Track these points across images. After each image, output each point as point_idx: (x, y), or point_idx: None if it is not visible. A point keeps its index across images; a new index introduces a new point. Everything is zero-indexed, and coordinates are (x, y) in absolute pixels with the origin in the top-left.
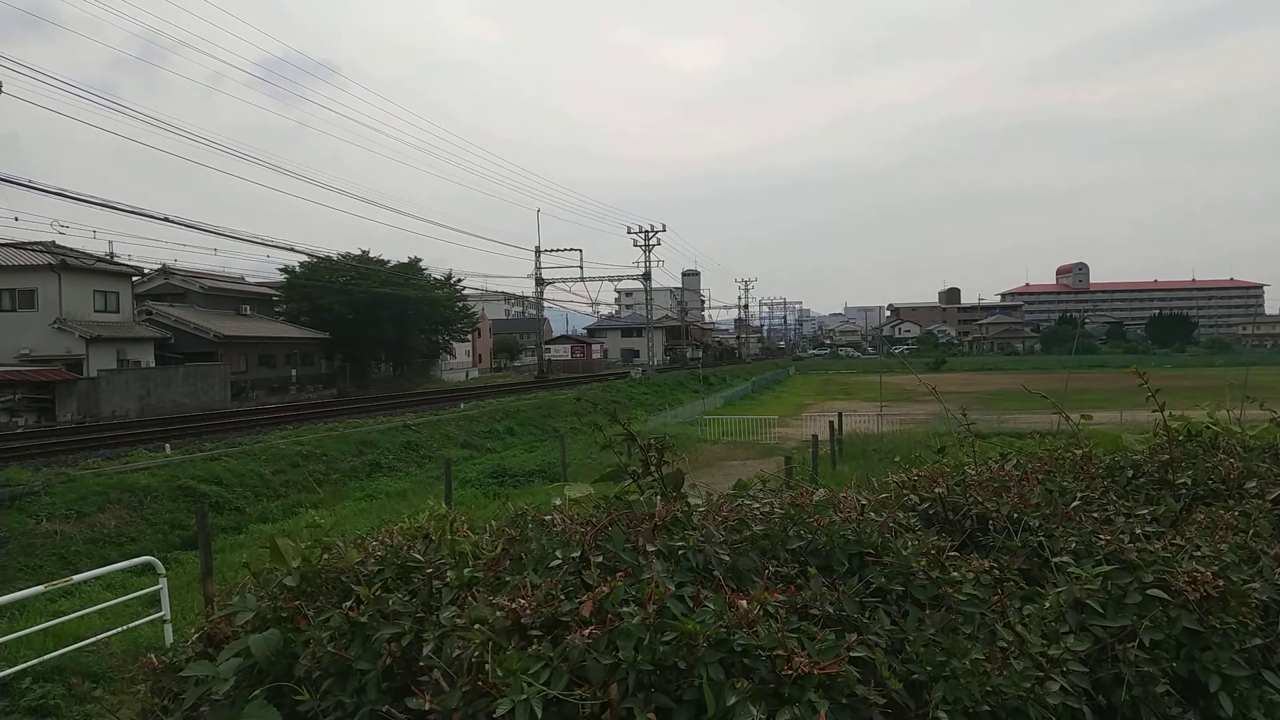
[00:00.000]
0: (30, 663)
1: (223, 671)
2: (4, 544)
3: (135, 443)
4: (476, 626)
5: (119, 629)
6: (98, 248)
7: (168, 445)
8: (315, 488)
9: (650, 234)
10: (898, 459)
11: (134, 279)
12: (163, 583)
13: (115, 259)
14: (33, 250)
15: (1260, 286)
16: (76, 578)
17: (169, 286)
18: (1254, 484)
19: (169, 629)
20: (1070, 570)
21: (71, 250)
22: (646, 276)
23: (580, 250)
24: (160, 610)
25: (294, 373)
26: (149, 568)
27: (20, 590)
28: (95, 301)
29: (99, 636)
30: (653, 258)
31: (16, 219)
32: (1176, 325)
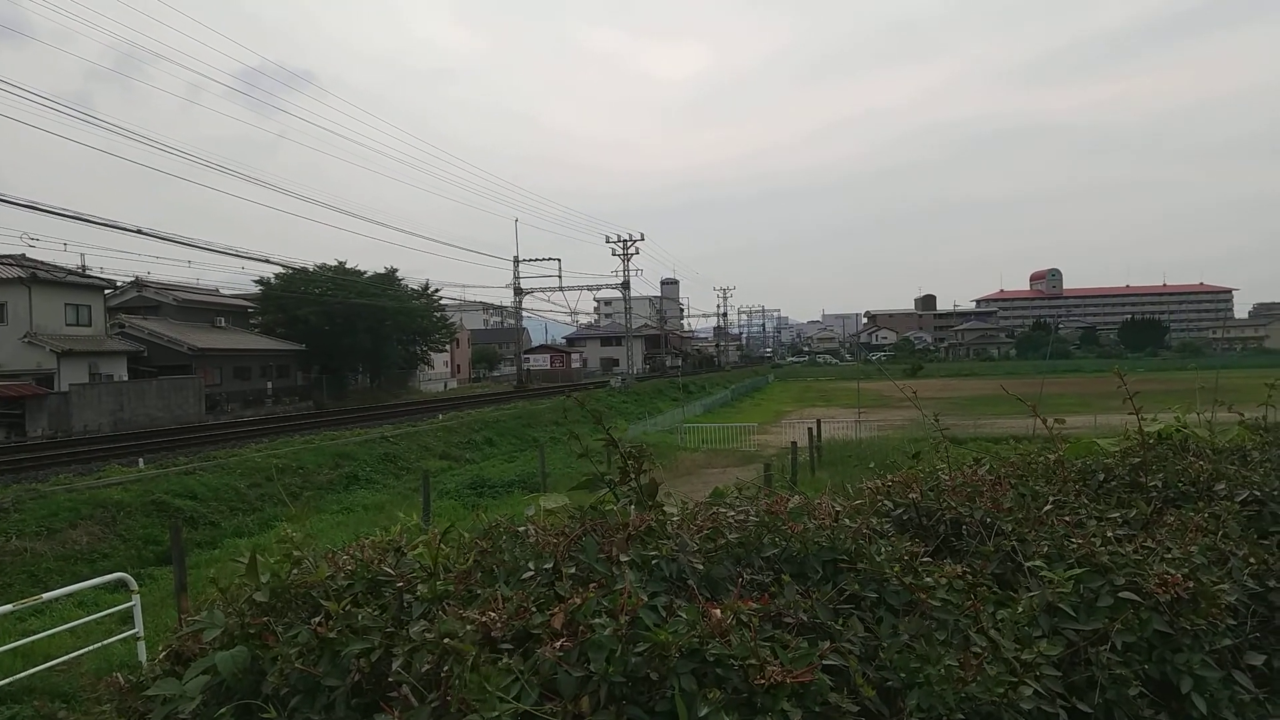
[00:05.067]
0: None
1: (189, 690)
2: None
3: (108, 458)
4: (446, 641)
5: (91, 647)
6: (69, 260)
7: (141, 460)
8: (289, 501)
9: (629, 243)
10: (872, 465)
11: (106, 292)
12: (136, 599)
13: (87, 272)
14: (2, 263)
15: (1229, 291)
16: (46, 595)
17: (142, 299)
18: (1223, 486)
19: (142, 646)
20: (1043, 574)
21: (42, 263)
22: (625, 285)
23: (559, 260)
24: (134, 627)
25: (270, 385)
26: (122, 584)
27: None
28: (67, 315)
29: (70, 655)
30: (631, 267)
31: None
32: (1149, 330)
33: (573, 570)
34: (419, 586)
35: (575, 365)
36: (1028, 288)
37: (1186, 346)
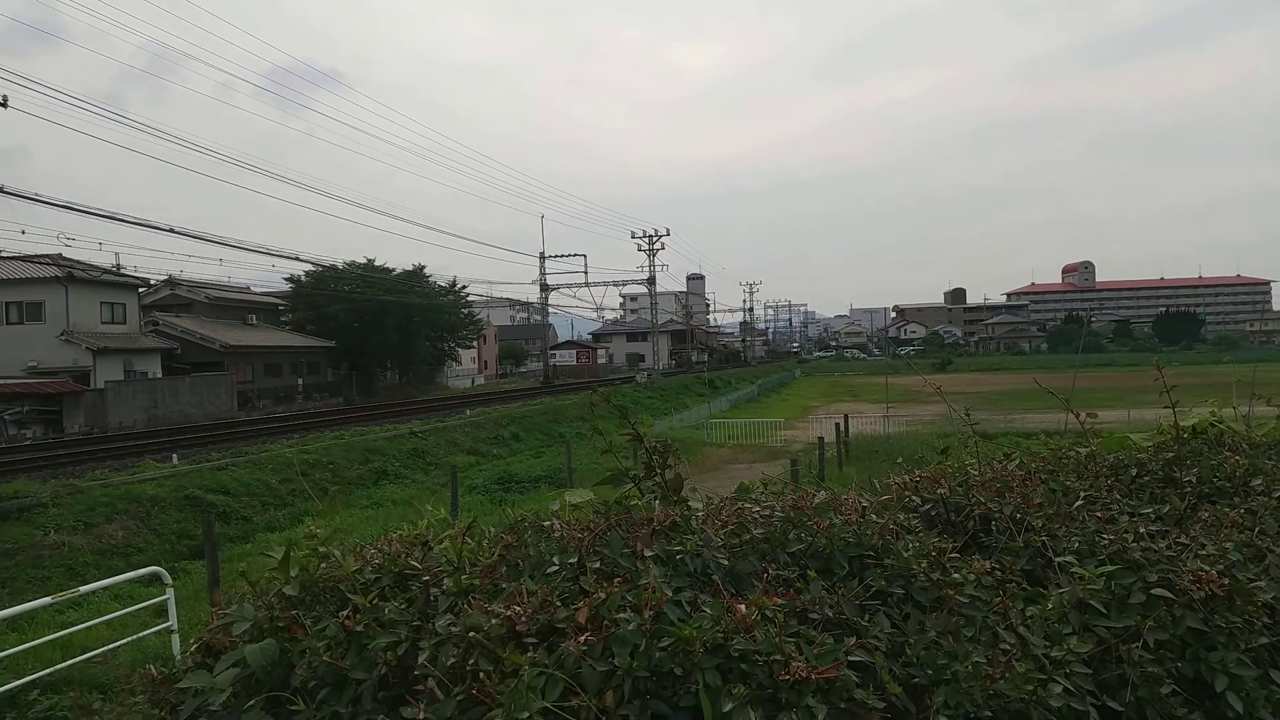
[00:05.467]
0: (38, 674)
1: (219, 682)
2: (12, 556)
3: (142, 453)
4: (471, 634)
5: (127, 639)
6: (104, 259)
7: (175, 455)
8: (316, 497)
9: (654, 238)
10: (900, 460)
11: (140, 290)
12: (170, 593)
13: (122, 270)
14: (40, 263)
15: (1267, 283)
16: (84, 589)
17: (175, 297)
18: (1260, 481)
19: (176, 639)
20: (1073, 570)
21: (78, 262)
22: (651, 281)
23: (585, 256)
24: (168, 620)
25: (300, 381)
26: (156, 578)
27: (28, 602)
28: (102, 313)
29: (107, 647)
30: (657, 262)
31: (23, 232)
32: (1183, 322)
33: (597, 565)
34: (445, 580)
35: (601, 361)
36: (1059, 281)
37: (1223, 339)
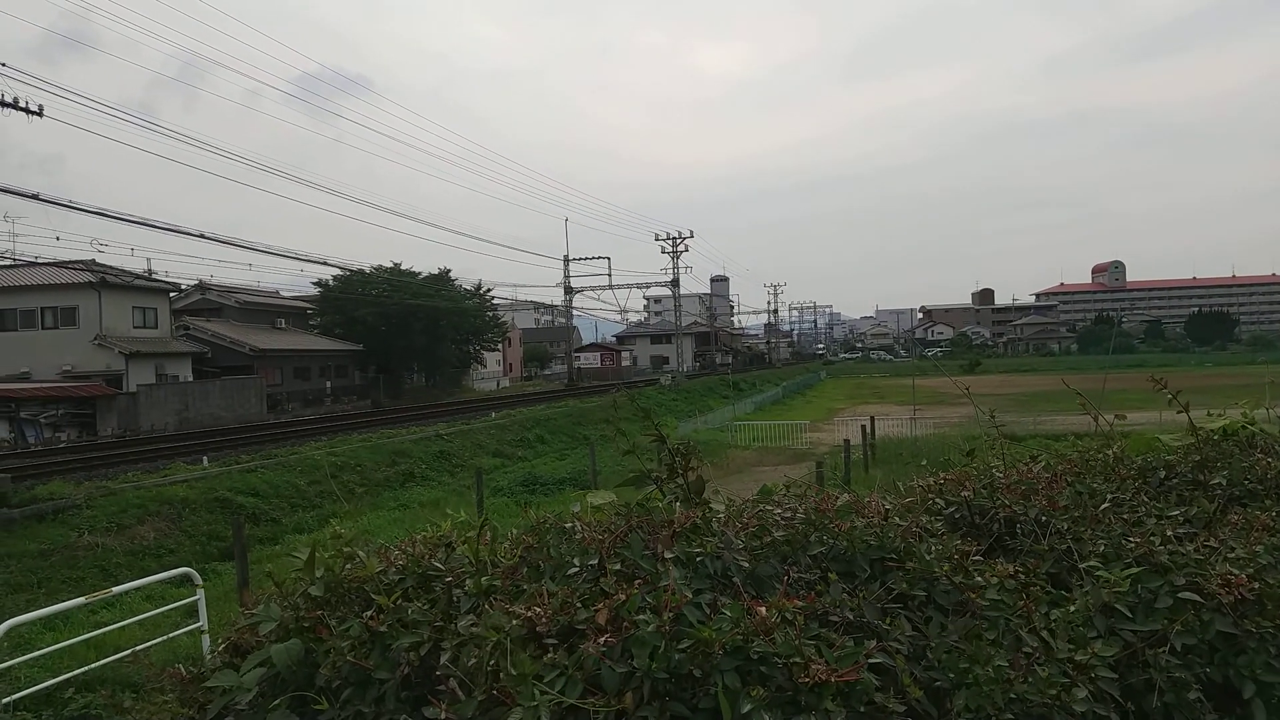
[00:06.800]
0: (73, 673)
1: (246, 681)
2: (48, 556)
3: (174, 456)
4: (492, 635)
5: (158, 640)
6: (136, 265)
7: (205, 458)
8: (343, 499)
9: (678, 241)
10: (924, 462)
11: (171, 295)
12: (200, 594)
13: (153, 276)
14: (73, 268)
15: None
16: (116, 589)
17: (205, 302)
18: None
19: (206, 639)
20: (1098, 574)
21: (111, 268)
22: (675, 283)
23: (609, 258)
24: (199, 621)
25: (328, 384)
26: (187, 579)
27: (63, 602)
28: (134, 318)
29: (138, 647)
30: (681, 264)
31: (58, 238)
32: (1216, 322)
33: (618, 566)
34: (467, 582)
35: (625, 363)
36: (1089, 280)
37: (1257, 339)
